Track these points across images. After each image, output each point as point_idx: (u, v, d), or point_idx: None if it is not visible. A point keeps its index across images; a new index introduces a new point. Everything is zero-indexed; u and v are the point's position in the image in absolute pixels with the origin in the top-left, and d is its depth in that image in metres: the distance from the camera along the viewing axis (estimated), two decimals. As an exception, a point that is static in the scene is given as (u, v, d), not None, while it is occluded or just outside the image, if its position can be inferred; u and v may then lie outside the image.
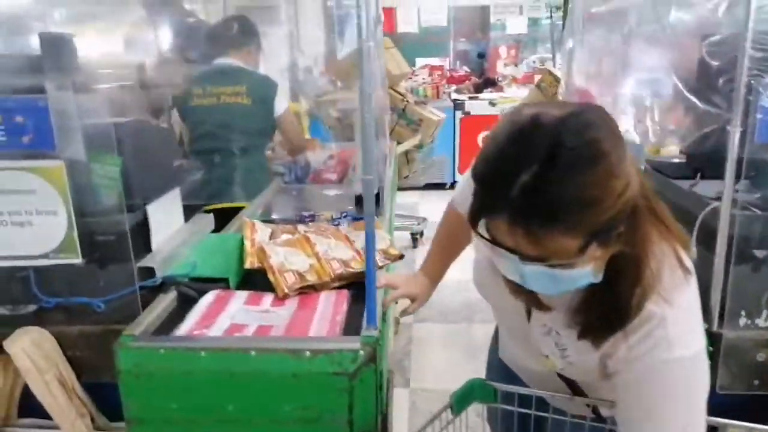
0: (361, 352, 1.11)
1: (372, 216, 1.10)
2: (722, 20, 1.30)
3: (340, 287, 1.43)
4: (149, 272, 1.40)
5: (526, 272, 0.83)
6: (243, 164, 2.46)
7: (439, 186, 5.90)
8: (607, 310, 0.90)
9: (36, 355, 1.29)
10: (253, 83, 2.45)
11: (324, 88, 4.29)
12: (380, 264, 1.47)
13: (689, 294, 0.91)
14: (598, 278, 0.85)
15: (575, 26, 2.33)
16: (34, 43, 1.28)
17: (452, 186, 6.09)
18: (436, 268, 1.46)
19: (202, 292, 1.41)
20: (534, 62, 7.10)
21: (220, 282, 1.46)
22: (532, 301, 1.02)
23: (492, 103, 5.77)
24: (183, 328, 1.24)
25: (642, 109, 1.95)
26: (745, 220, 1.22)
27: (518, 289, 0.95)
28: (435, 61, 6.84)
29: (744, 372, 1.30)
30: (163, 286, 1.41)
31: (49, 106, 1.22)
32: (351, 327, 1.24)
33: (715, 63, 1.24)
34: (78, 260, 1.33)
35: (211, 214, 1.82)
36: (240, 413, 1.13)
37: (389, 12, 6.60)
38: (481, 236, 0.85)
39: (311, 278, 1.40)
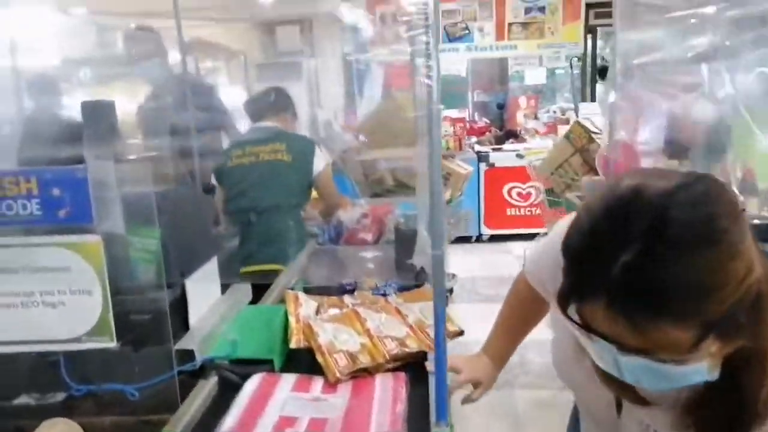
0: (434, 458, 0.97)
1: (443, 296, 0.99)
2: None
3: (394, 368, 1.30)
4: (188, 355, 1.28)
5: (625, 365, 0.71)
6: (280, 223, 2.38)
7: (465, 240, 5.78)
8: (728, 412, 0.75)
9: (64, 450, 1.17)
10: (292, 141, 2.46)
11: (348, 143, 4.26)
12: None
13: None
14: (714, 376, 0.72)
15: (617, 80, 2.25)
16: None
17: (478, 239, 5.97)
18: (502, 350, 1.33)
19: (245, 376, 1.28)
20: (555, 112, 7.08)
21: (263, 363, 1.33)
22: (628, 395, 0.87)
23: (519, 155, 5.70)
24: (228, 423, 1.11)
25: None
26: None
27: (611, 381, 0.81)
28: (454, 112, 6.83)
29: None
30: (202, 371, 1.29)
31: (88, 177, 1.13)
32: (414, 419, 1.10)
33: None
34: (112, 344, 1.21)
35: (249, 285, 1.70)
36: None
37: (405, 68, 6.63)
38: (572, 321, 0.73)
39: (364, 360, 1.28)
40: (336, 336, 1.32)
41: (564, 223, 1.07)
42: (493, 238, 5.91)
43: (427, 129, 0.93)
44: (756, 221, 1.51)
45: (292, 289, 1.71)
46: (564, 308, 0.75)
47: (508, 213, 5.93)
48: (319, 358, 1.28)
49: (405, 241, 2.01)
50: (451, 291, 4.58)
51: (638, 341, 0.68)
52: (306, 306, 1.48)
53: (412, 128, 3.56)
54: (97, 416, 1.21)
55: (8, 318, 1.19)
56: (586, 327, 0.72)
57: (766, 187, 2.28)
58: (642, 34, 2.26)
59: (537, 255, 1.19)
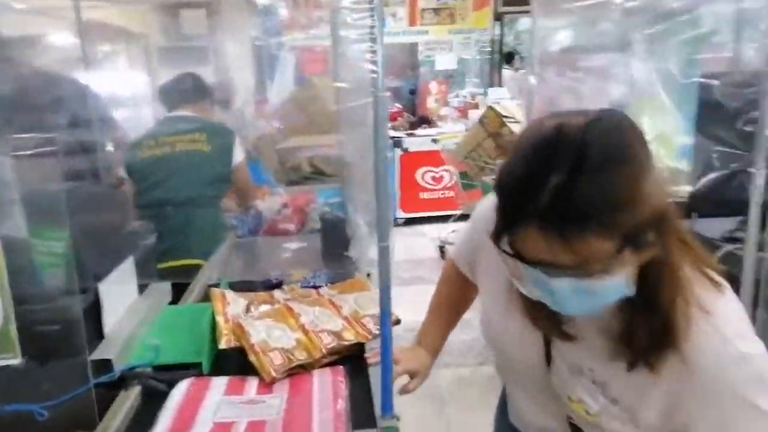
0: (385, 450, 0.94)
1: (388, 289, 0.95)
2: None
3: (332, 362, 1.26)
4: (105, 365, 1.18)
5: (555, 288, 0.79)
6: (198, 216, 2.25)
7: (381, 224, 5.80)
8: (653, 328, 0.83)
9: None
10: (212, 131, 2.34)
11: (261, 129, 4.12)
12: (375, 332, 1.31)
13: (730, 303, 0.86)
14: (631, 290, 0.80)
15: (534, 66, 2.30)
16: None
17: (395, 223, 6.00)
18: (436, 339, 1.34)
19: (171, 383, 1.19)
20: (465, 97, 7.21)
21: (191, 368, 1.25)
22: (556, 330, 0.93)
23: (434, 140, 5.77)
24: (162, 428, 1.03)
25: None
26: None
27: (540, 316, 0.91)
28: (366, 98, 6.79)
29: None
30: (123, 381, 1.19)
31: (-21, 176, 1.00)
32: (358, 415, 1.07)
33: (733, 104, 1.19)
34: (16, 360, 1.09)
35: (168, 284, 1.59)
36: None
37: (322, 53, 6.52)
38: (507, 253, 0.80)
39: (300, 356, 1.22)
40: (269, 333, 1.26)
41: (486, 202, 1.09)
42: (408, 222, 5.96)
43: (373, 116, 0.89)
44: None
45: (217, 285, 1.62)
46: (498, 242, 0.80)
47: (422, 197, 6.01)
48: (252, 358, 1.21)
49: (332, 230, 1.97)
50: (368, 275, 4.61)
51: (567, 256, 0.75)
52: (234, 304, 1.40)
53: (331, 114, 3.46)
54: (1, 441, 1.09)
55: None
56: (519, 257, 0.78)
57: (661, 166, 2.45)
58: (556, 21, 2.33)
59: (462, 236, 1.23)
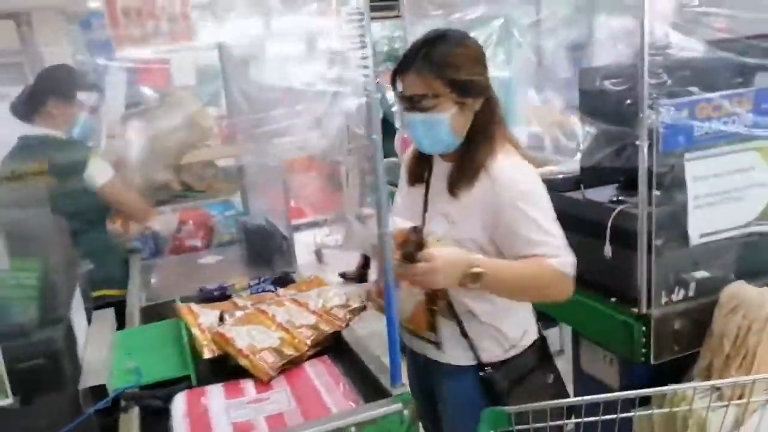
0: (406, 412, 1.08)
1: (391, 270, 1.08)
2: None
3: (313, 356, 1.35)
4: (99, 391, 1.15)
5: (414, 119, 1.30)
6: (86, 246, 2.09)
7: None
8: (468, 164, 1.31)
9: None
10: (56, 157, 1.98)
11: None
12: (348, 320, 1.42)
13: (518, 160, 1.32)
14: (456, 136, 1.30)
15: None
16: None
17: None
18: None
19: (167, 399, 1.20)
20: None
21: (180, 381, 1.26)
22: (423, 181, 1.42)
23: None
24: (182, 443, 1.05)
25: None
26: (658, 218, 1.47)
27: (417, 176, 1.43)
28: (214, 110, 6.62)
29: (668, 341, 1.55)
30: (116, 406, 1.17)
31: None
32: (365, 390, 1.18)
33: (616, 89, 1.49)
34: (9, 401, 1.03)
35: (111, 311, 1.55)
36: None
37: (161, 66, 6.24)
38: (396, 90, 1.32)
39: (289, 352, 1.30)
40: (253, 336, 1.31)
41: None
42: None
43: (366, 120, 1.01)
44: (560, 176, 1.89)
45: (172, 302, 1.58)
46: (394, 82, 1.32)
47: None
48: (244, 362, 1.26)
49: (256, 238, 2.02)
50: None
51: (422, 88, 1.26)
52: (204, 316, 1.41)
53: (202, 128, 3.37)
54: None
55: None
56: (402, 97, 1.31)
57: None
58: (426, 27, 2.58)
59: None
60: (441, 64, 1.26)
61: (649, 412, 1.30)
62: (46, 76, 2.22)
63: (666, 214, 1.49)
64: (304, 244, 5.60)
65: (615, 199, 1.67)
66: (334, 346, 1.40)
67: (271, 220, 2.14)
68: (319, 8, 1.81)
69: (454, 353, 1.37)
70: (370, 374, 1.23)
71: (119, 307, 1.66)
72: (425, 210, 1.39)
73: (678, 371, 1.66)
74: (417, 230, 1.18)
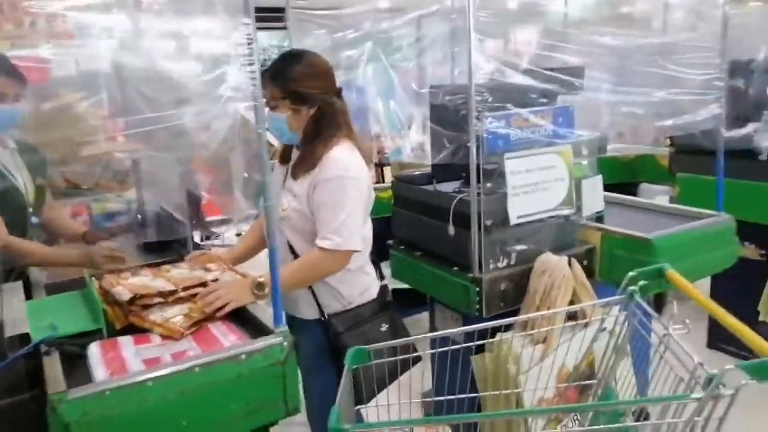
0: (285, 343, 1.39)
1: (274, 235, 1.39)
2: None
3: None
4: (23, 339, 1.35)
5: (272, 117, 1.77)
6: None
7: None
8: (307, 155, 1.80)
9: None
10: None
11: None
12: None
13: (350, 154, 1.79)
14: (298, 133, 1.81)
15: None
16: None
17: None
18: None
19: (83, 346, 1.43)
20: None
21: (93, 334, 1.49)
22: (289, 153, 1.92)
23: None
24: (101, 376, 1.29)
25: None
26: (485, 203, 1.90)
27: (284, 154, 1.95)
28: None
29: (496, 299, 1.98)
30: (37, 353, 1.37)
31: None
32: (256, 335, 1.48)
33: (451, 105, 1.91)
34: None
35: (20, 283, 1.72)
36: (193, 425, 1.27)
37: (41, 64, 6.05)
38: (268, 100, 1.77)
39: (196, 315, 1.55)
40: (165, 311, 1.55)
41: None
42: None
43: (255, 119, 1.32)
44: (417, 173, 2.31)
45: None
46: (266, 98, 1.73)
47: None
48: (158, 330, 1.49)
49: (152, 224, 2.24)
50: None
51: (273, 94, 1.76)
52: (114, 290, 1.62)
53: (86, 125, 3.50)
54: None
55: None
56: (267, 100, 1.75)
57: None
58: (312, 39, 2.93)
59: None
60: (279, 77, 1.75)
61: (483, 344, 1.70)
62: None
63: (492, 201, 1.93)
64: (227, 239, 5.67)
65: (457, 189, 2.10)
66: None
67: (166, 208, 2.35)
68: (204, 10, 2.10)
69: (304, 309, 1.84)
70: (257, 321, 1.53)
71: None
72: (283, 186, 1.87)
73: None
74: None
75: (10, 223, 1.86)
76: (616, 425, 1.40)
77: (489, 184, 1.94)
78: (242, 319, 1.60)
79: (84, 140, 3.62)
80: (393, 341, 1.57)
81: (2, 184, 1.94)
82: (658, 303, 2.99)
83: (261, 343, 1.38)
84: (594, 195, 2.24)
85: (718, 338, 3.26)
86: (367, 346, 1.51)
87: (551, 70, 1.96)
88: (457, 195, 2.01)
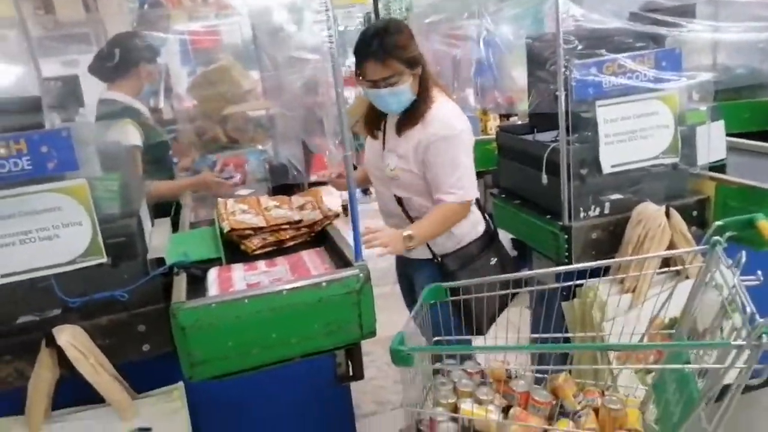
0: (361, 275, 1.58)
1: (351, 175, 1.57)
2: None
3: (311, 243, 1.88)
4: (160, 262, 1.70)
5: (382, 93, 1.81)
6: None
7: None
8: (411, 114, 1.87)
9: (78, 345, 1.53)
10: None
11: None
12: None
13: (452, 107, 1.89)
14: (414, 96, 1.84)
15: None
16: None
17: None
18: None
19: (205, 271, 1.75)
20: (349, 66, 7.78)
21: (214, 261, 1.80)
22: (379, 133, 1.99)
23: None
24: (213, 293, 1.59)
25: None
26: (576, 152, 1.90)
27: (374, 130, 2.00)
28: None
29: (587, 248, 1.99)
30: (170, 273, 1.71)
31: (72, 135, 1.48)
32: (341, 265, 1.69)
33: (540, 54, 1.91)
34: (104, 259, 1.58)
35: (168, 219, 2.11)
36: (281, 337, 1.52)
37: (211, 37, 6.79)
38: (363, 79, 1.81)
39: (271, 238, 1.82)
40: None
41: None
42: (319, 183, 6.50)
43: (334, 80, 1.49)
44: (519, 122, 2.32)
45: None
46: (357, 75, 1.81)
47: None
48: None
49: (278, 172, 2.55)
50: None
51: (388, 72, 1.77)
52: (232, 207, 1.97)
53: (240, 89, 3.91)
54: (95, 319, 1.58)
55: (9, 253, 1.50)
56: (368, 81, 1.80)
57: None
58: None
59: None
60: (393, 51, 1.76)
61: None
62: (130, 43, 2.47)
63: (583, 149, 1.92)
64: (336, 195, 6.14)
65: (554, 138, 2.10)
66: (324, 241, 1.92)
67: (292, 161, 2.66)
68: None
69: (417, 251, 1.94)
70: (344, 256, 1.74)
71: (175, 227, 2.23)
72: (384, 149, 1.96)
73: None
74: None
75: (161, 168, 2.28)
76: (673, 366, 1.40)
77: (584, 133, 1.92)
78: (336, 253, 1.82)
79: (239, 99, 4.10)
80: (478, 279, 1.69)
81: (155, 138, 2.35)
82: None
83: (340, 274, 1.58)
84: (712, 143, 2.10)
85: None
86: (443, 284, 1.66)
87: (654, 11, 1.86)
88: (551, 144, 2.02)
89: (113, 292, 1.61)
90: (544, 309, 1.72)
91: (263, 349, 1.52)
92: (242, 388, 1.68)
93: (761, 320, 1.09)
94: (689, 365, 1.26)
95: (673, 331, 1.63)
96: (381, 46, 1.74)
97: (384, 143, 1.96)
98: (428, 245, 1.94)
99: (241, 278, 1.69)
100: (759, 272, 1.35)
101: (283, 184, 2.52)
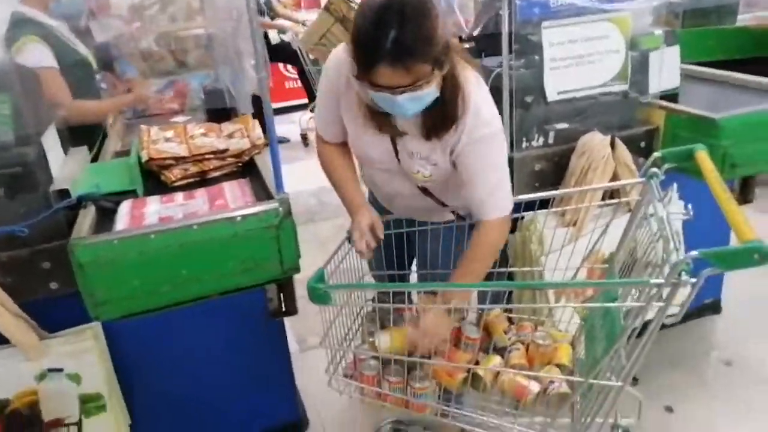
0: (281, 209, 1.47)
1: (269, 102, 1.43)
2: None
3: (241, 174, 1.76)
4: (63, 194, 1.56)
5: (400, 100, 1.22)
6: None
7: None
8: (442, 115, 1.34)
9: (-26, 285, 1.42)
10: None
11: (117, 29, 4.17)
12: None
13: (485, 94, 1.38)
14: (437, 93, 1.27)
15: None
16: None
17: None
18: (360, 197, 1.57)
19: (117, 203, 1.62)
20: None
21: (128, 193, 1.67)
22: (392, 129, 1.41)
23: (282, 32, 5.98)
24: (121, 227, 1.47)
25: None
26: (520, 78, 1.77)
27: (383, 124, 1.39)
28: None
29: (530, 179, 1.90)
30: (79, 205, 1.58)
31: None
32: (262, 198, 1.57)
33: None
34: (-2, 192, 1.44)
35: (85, 148, 1.95)
36: (192, 275, 1.43)
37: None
38: (372, 85, 1.21)
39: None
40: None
41: (332, 58, 1.47)
42: (278, 111, 6.28)
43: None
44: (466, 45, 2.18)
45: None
46: (363, 79, 1.21)
47: (287, 86, 6.35)
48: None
49: (214, 98, 2.38)
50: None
51: (407, 79, 1.19)
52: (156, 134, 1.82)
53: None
54: (-6, 254, 1.46)
55: None
56: (377, 86, 1.21)
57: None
58: None
59: (319, 108, 1.52)
60: (421, 48, 1.18)
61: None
62: None
63: (527, 75, 1.79)
64: (297, 124, 5.94)
65: (500, 64, 1.96)
66: (251, 171, 1.80)
67: (230, 86, 2.47)
68: None
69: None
70: (267, 188, 1.63)
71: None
72: (395, 151, 1.46)
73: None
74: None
75: (80, 91, 2.09)
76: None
77: (530, 57, 1.79)
78: (260, 185, 1.71)
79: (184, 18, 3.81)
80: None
81: (72, 57, 2.14)
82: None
83: (257, 207, 1.47)
84: (665, 70, 1.99)
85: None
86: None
87: None
88: (496, 69, 1.89)
89: (12, 227, 1.49)
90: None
91: (174, 287, 1.43)
92: (170, 324, 1.60)
93: (680, 257, 1.02)
94: (613, 303, 1.21)
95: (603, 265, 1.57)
96: (400, 43, 1.16)
97: (394, 140, 1.45)
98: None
99: (155, 212, 1.57)
100: (689, 206, 1.28)
101: (221, 111, 2.35)
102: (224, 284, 1.47)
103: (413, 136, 1.41)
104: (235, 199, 1.60)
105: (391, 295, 1.47)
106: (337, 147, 1.57)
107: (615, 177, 1.85)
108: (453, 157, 1.40)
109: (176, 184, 1.73)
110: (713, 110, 1.87)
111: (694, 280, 1.00)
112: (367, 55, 1.18)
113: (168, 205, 1.61)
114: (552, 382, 1.43)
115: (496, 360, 1.49)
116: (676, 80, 2.05)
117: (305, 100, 6.04)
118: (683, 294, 1.04)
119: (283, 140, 5.59)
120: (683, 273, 1.01)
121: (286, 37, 5.49)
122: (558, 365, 1.50)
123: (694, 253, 0.99)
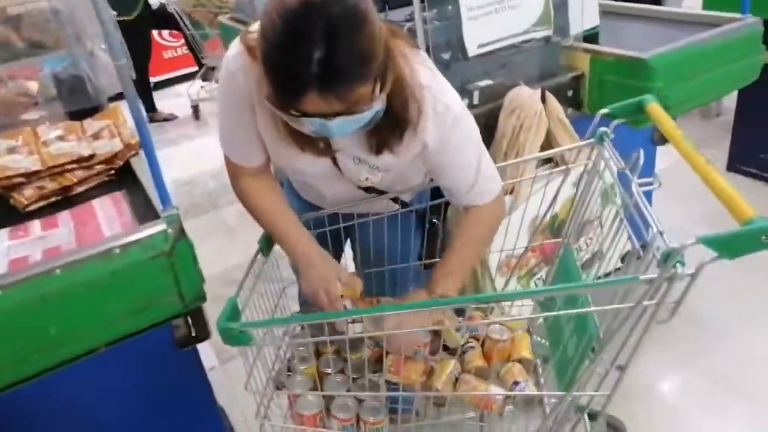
0: (170, 230, 1.17)
1: (136, 98, 1.10)
2: None
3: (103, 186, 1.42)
4: None
5: (333, 126, 0.95)
6: None
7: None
8: (392, 126, 1.09)
9: None
10: None
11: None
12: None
13: (434, 74, 1.12)
14: (383, 106, 1.01)
15: None
16: None
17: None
18: (307, 236, 1.29)
19: (-49, 246, 1.24)
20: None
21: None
22: (326, 150, 1.15)
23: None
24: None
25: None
26: (435, 32, 1.53)
27: (310, 146, 1.12)
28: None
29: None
30: None
31: None
32: (148, 217, 1.25)
33: None
34: None
35: None
36: (65, 332, 1.11)
37: None
38: (293, 114, 0.94)
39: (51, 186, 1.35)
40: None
41: (224, 71, 1.13)
42: (159, 85, 5.70)
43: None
44: None
45: None
46: (287, 110, 0.94)
47: (165, 56, 5.75)
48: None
49: (70, 86, 1.96)
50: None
51: (342, 106, 0.92)
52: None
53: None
54: None
55: None
56: (303, 114, 0.93)
57: None
58: None
59: (226, 127, 1.21)
60: (357, 66, 0.90)
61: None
62: None
63: (442, 28, 1.55)
64: (185, 97, 5.41)
65: (409, 16, 1.71)
66: (127, 180, 1.46)
67: (89, 71, 2.05)
68: None
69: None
70: (150, 200, 1.31)
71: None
72: (337, 165, 1.21)
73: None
74: None
75: None
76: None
77: (444, 8, 1.55)
78: (140, 198, 1.38)
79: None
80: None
81: None
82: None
83: (139, 233, 1.16)
84: (584, 8, 1.81)
85: (739, 159, 2.97)
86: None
87: None
88: (405, 24, 1.64)
89: None
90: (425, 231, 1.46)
91: (44, 352, 1.11)
92: (56, 387, 1.26)
93: (673, 246, 0.85)
94: (590, 308, 1.03)
95: (561, 239, 1.41)
96: (329, 66, 0.87)
97: (344, 155, 1.19)
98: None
99: (3, 253, 1.21)
100: (657, 173, 1.12)
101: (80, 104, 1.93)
102: (110, 334, 1.16)
103: (357, 145, 1.14)
104: (110, 222, 1.27)
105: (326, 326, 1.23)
106: (259, 178, 1.27)
107: (548, 134, 1.68)
108: (420, 161, 1.18)
109: (30, 208, 1.37)
110: (639, 49, 1.72)
111: (692, 271, 0.83)
112: (287, 82, 0.90)
113: (22, 240, 1.25)
114: (516, 382, 1.26)
115: (450, 365, 1.30)
116: (596, 18, 1.89)
117: (191, 69, 5.50)
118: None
119: (170, 117, 5.09)
120: (678, 265, 0.84)
121: (161, -1, 4.87)
122: (519, 360, 1.34)
123: (690, 239, 0.81)
